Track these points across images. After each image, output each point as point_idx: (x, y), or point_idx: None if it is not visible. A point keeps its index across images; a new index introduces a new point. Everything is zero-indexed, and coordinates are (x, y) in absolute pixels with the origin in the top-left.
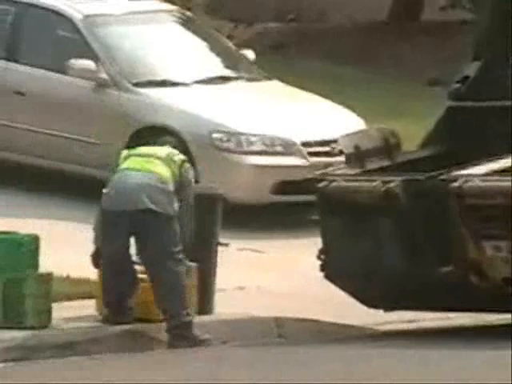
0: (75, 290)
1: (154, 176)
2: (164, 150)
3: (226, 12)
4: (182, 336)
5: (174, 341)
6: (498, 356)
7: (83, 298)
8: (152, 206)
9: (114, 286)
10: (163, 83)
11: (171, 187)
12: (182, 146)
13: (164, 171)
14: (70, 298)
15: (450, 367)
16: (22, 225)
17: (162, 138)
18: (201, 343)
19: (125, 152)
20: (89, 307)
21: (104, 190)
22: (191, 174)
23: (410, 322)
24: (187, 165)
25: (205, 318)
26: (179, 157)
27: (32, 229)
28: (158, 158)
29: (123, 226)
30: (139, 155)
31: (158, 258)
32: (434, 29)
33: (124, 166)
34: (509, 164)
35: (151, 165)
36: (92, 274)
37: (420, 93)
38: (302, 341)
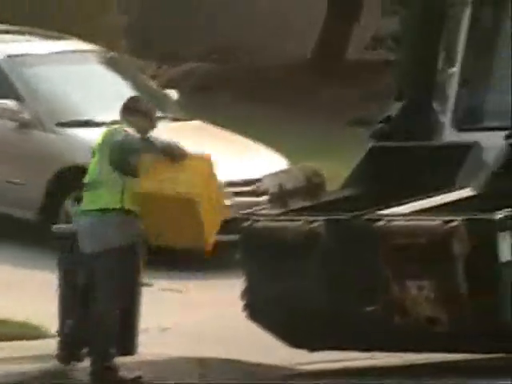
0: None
1: None
2: None
3: (149, 52)
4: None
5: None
6: None
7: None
8: None
9: None
10: (86, 123)
11: None
12: None
13: None
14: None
15: None
16: None
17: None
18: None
19: None
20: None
21: None
22: None
23: (336, 361)
24: None
25: (127, 358)
26: None
27: None
28: None
29: None
30: None
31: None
32: (358, 68)
33: None
34: (432, 204)
35: None
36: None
37: (341, 132)
38: (225, 382)
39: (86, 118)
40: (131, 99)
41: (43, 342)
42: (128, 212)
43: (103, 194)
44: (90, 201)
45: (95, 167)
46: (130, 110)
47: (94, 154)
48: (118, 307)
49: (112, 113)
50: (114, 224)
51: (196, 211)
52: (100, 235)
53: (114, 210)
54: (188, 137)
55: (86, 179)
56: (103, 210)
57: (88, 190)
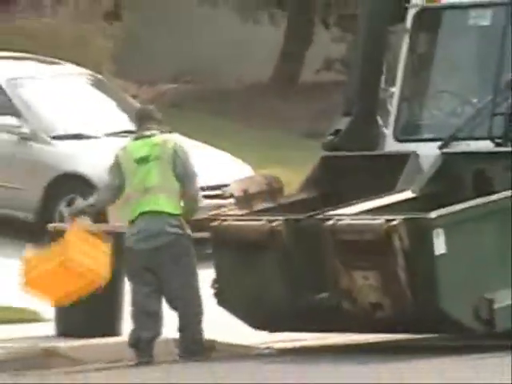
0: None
1: None
2: None
3: (131, 74)
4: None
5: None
6: (368, 368)
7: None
8: None
9: None
10: (77, 136)
11: None
12: (92, 190)
13: None
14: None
15: (326, 379)
16: None
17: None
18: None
19: None
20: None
21: None
22: None
23: (292, 341)
24: None
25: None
26: None
27: None
28: None
29: None
30: None
31: None
32: (311, 89)
33: None
34: (376, 205)
35: None
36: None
37: (296, 144)
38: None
39: (76, 132)
40: (145, 108)
41: (39, 325)
42: (179, 215)
43: (164, 198)
44: (154, 203)
45: (152, 175)
46: (147, 117)
47: (141, 161)
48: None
49: (99, 127)
50: (174, 224)
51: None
52: (161, 233)
53: (172, 213)
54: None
55: (142, 185)
56: (165, 212)
57: (148, 194)
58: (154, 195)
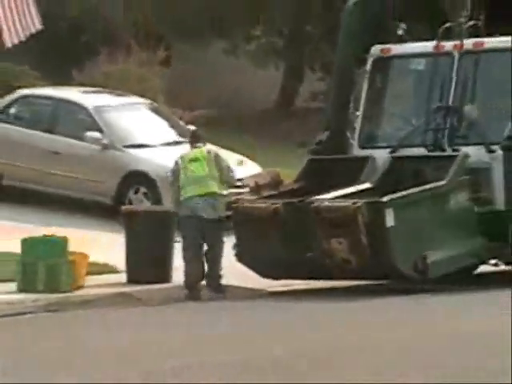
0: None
1: None
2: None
3: (178, 103)
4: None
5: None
6: (339, 303)
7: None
8: None
9: None
10: (141, 146)
11: None
12: (151, 182)
13: None
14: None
15: (313, 313)
16: (54, 231)
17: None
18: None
19: None
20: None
21: None
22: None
23: (287, 285)
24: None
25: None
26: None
27: (59, 233)
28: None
29: None
30: None
31: None
32: (302, 113)
33: None
34: (346, 192)
35: None
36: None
37: (293, 150)
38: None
39: (141, 142)
40: (196, 130)
41: (117, 275)
42: (223, 196)
43: (213, 184)
44: (205, 187)
45: (202, 169)
46: (199, 136)
47: (194, 160)
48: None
49: (156, 139)
50: (219, 202)
51: None
52: (213, 207)
53: (218, 194)
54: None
55: (192, 176)
56: (213, 194)
57: (198, 182)
58: (205, 181)
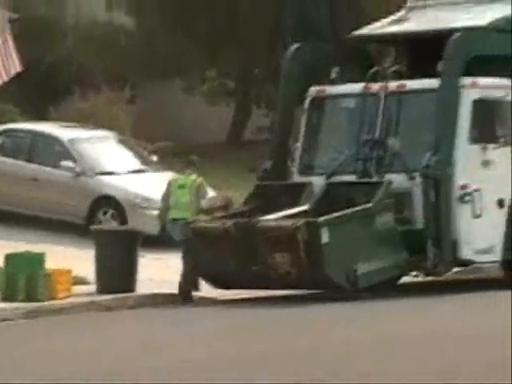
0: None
1: None
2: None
3: (142, 135)
4: None
5: None
6: (280, 310)
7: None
8: None
9: None
10: (110, 173)
11: None
12: (118, 205)
13: None
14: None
15: (259, 321)
16: (32, 247)
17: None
18: None
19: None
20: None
21: None
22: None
23: (236, 295)
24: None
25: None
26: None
27: (38, 249)
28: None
29: None
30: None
31: None
32: (251, 144)
33: None
34: (288, 213)
35: None
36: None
37: (243, 176)
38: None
39: (110, 170)
40: (192, 157)
41: (88, 286)
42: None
43: (190, 211)
44: (183, 212)
45: (185, 196)
46: (192, 164)
47: (181, 186)
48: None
49: (123, 167)
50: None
51: None
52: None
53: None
54: (164, 179)
55: (177, 201)
56: (184, 218)
57: (180, 208)
58: (185, 207)
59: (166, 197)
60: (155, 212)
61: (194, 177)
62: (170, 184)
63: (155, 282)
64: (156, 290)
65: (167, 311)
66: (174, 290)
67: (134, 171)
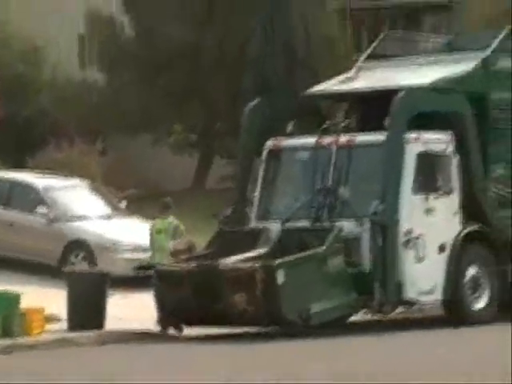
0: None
1: None
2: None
3: (112, 183)
4: None
5: None
6: (237, 347)
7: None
8: None
9: None
10: (81, 218)
11: None
12: (89, 248)
13: None
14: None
15: (213, 357)
16: (8, 287)
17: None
18: None
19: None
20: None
21: None
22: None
23: (202, 332)
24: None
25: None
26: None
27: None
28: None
29: None
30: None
31: None
32: (214, 192)
33: None
34: (246, 256)
35: None
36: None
37: (207, 221)
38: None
39: (81, 215)
40: (167, 200)
41: (60, 323)
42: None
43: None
44: (160, 253)
45: (164, 241)
46: (168, 207)
47: (159, 232)
48: None
49: (94, 212)
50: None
51: None
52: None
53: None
54: (131, 229)
55: (158, 246)
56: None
57: (161, 252)
58: (166, 252)
59: (151, 243)
60: (124, 255)
61: (170, 219)
62: (150, 231)
63: (123, 319)
64: (124, 327)
65: (134, 347)
66: (141, 326)
67: (105, 217)
